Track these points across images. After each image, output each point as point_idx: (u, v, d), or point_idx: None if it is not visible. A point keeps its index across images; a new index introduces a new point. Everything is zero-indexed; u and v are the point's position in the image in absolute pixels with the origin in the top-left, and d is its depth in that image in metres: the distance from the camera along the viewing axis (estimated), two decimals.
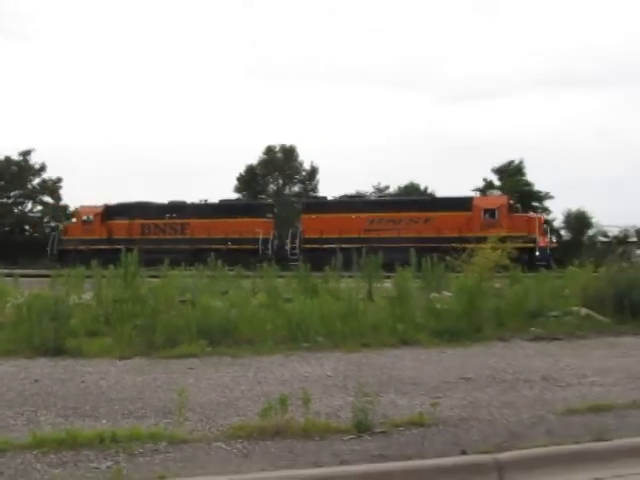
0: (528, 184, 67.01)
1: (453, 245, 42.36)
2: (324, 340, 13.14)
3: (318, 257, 35.42)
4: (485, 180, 69.42)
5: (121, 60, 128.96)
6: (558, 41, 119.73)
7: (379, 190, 73.64)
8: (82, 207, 54.13)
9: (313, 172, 76.64)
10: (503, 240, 41.73)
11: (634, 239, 57.04)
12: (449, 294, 16.70)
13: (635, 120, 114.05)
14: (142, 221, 50.44)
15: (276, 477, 6.26)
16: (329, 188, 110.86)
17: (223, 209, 50.98)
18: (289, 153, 76.51)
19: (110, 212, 51.86)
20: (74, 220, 54.26)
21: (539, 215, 48.08)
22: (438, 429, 7.66)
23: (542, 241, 44.42)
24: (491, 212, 45.15)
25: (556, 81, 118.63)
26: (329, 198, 51.23)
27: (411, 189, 71.54)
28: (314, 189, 75.51)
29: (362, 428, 7.44)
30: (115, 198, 71.90)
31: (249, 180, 74.45)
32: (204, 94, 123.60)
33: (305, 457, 6.72)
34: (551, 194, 65.24)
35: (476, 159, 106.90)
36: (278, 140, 79.00)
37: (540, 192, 64.34)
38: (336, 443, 7.15)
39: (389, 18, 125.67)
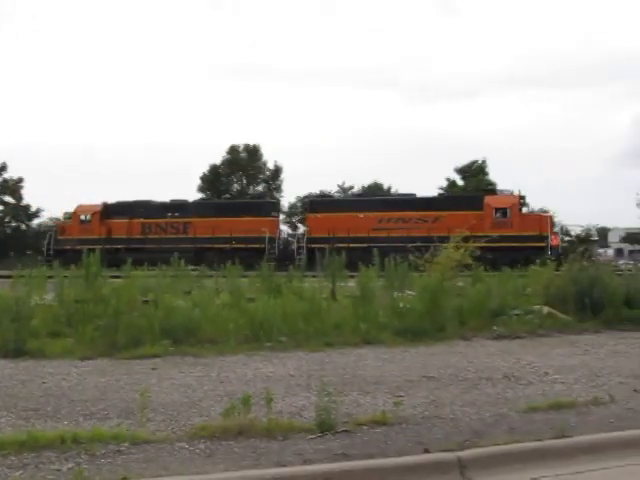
0: (491, 184, 67.37)
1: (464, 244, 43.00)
2: (287, 340, 13.13)
3: (323, 257, 34.90)
4: (448, 180, 69.88)
5: (83, 60, 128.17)
6: (525, 44, 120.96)
7: (343, 190, 73.81)
8: (79, 206, 52.45)
9: (277, 172, 76.55)
10: (516, 239, 42.33)
11: (596, 238, 57.60)
12: (412, 293, 16.75)
13: (600, 121, 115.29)
14: (143, 220, 49.24)
15: (239, 477, 6.25)
16: (293, 188, 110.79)
17: (227, 208, 50.17)
18: (253, 153, 76.32)
19: (109, 211, 50.63)
20: (71, 219, 52.33)
21: (549, 214, 47.69)
22: (401, 428, 7.69)
23: (554, 240, 44.28)
24: (503, 211, 44.96)
25: (523, 83, 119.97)
26: (336, 196, 50.49)
27: (375, 189, 71.79)
28: (278, 189, 75.51)
29: (325, 427, 7.46)
30: (78, 199, 71.07)
31: (213, 180, 74.17)
32: (167, 94, 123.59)
33: (268, 457, 6.72)
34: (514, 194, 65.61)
35: (440, 158, 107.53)
36: (242, 140, 78.97)
37: (502, 191, 64.75)
38: (299, 442, 7.16)
39: (358, 20, 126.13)
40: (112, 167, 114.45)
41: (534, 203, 55.33)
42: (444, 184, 69.97)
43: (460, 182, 69.74)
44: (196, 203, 52.27)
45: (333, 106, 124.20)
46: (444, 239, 42.02)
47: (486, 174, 70.07)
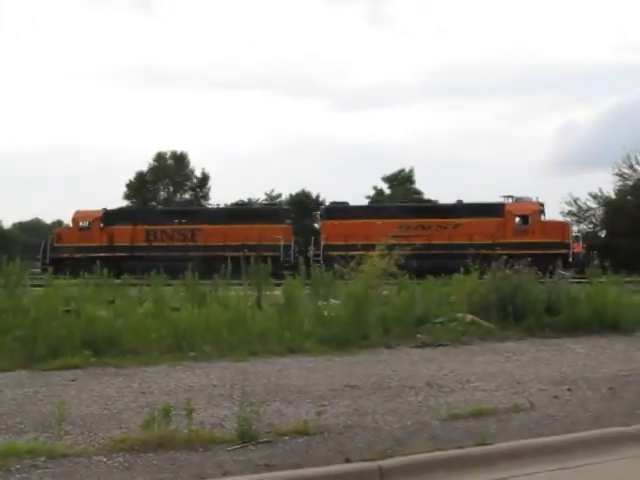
0: (418, 192, 68.11)
1: (485, 252, 41.17)
2: (211, 349, 12.97)
3: (342, 264, 34.07)
4: (375, 188, 70.40)
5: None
6: (450, 53, 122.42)
7: (271, 198, 73.67)
8: (78, 212, 49.87)
9: (204, 179, 76.18)
10: (537, 246, 42.34)
11: None
12: (337, 302, 16.76)
13: (525, 131, 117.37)
14: (147, 227, 47.13)
15: None
16: (220, 196, 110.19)
17: (240, 214, 48.19)
18: (180, 160, 75.83)
19: (110, 217, 48.32)
20: (70, 226, 50.06)
21: (567, 221, 47.83)
22: (323, 437, 7.67)
23: (576, 247, 44.37)
24: (524, 218, 44.94)
25: (449, 92, 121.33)
26: (352, 204, 49.38)
27: (303, 197, 71.82)
28: (205, 197, 75.10)
29: (247, 438, 7.39)
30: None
31: (139, 187, 73.46)
32: (93, 100, 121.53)
33: (188, 469, 6.63)
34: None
35: (368, 167, 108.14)
36: (169, 147, 78.35)
37: (429, 200, 65.37)
38: (220, 454, 7.08)
39: (284, 27, 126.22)
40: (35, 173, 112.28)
41: None
42: (372, 193, 70.48)
43: (387, 191, 70.29)
44: (206, 209, 50.56)
45: (262, 114, 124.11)
46: (466, 246, 42.65)
47: (413, 182, 70.82)
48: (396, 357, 13.17)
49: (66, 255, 44.29)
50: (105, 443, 7.34)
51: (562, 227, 45.67)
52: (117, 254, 44.07)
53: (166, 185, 75.66)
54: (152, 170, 74.88)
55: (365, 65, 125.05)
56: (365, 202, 63.11)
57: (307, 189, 74.36)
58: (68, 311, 14.34)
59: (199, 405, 8.68)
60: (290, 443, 7.45)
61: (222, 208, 50.00)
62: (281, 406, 9.08)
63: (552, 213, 51.94)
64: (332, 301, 17.06)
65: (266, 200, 71.28)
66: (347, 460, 6.89)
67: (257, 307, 16.74)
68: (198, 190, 75.73)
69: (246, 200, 65.28)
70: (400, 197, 61.74)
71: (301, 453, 7.12)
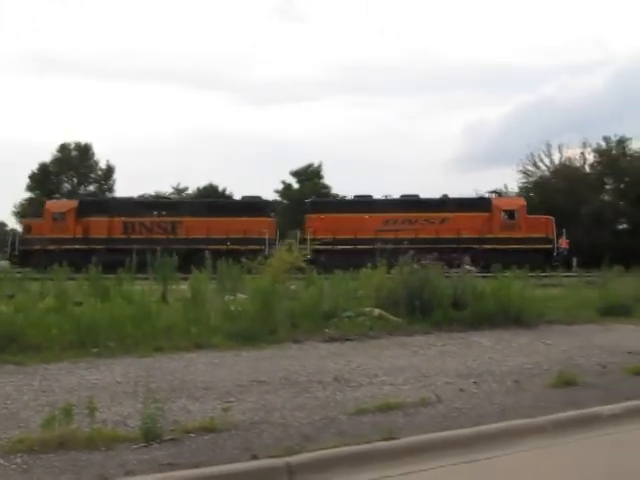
0: (326, 187, 68.38)
1: (473, 246, 43.02)
2: (115, 345, 12.65)
3: (330, 259, 33.36)
4: (284, 182, 70.38)
5: None
6: (357, 52, 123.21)
7: (178, 191, 73.04)
8: (50, 202, 48.49)
9: (109, 171, 74.98)
10: (523, 241, 42.37)
11: None
12: (244, 296, 16.62)
13: (430, 128, 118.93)
14: (125, 219, 45.69)
15: None
16: (126, 188, 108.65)
17: (223, 207, 47.49)
18: (84, 152, 74.45)
19: (86, 208, 46.75)
20: (41, 216, 47.84)
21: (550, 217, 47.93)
22: (230, 434, 7.55)
23: (562, 242, 44.94)
24: (510, 213, 45.62)
25: (357, 89, 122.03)
26: (338, 197, 48.29)
27: (210, 191, 71.36)
28: (110, 189, 73.96)
29: (151, 436, 7.22)
30: None
31: (42, 179, 71.91)
32: None
33: (90, 469, 6.43)
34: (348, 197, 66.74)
35: (276, 162, 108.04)
36: (73, 138, 76.82)
37: (337, 195, 65.71)
38: (123, 453, 6.89)
39: (193, 19, 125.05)
40: None
41: None
42: (280, 187, 70.45)
43: (296, 185, 70.35)
44: (187, 201, 48.99)
45: (167, 107, 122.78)
46: (453, 240, 42.95)
47: (321, 178, 71.04)
48: (304, 352, 13.10)
49: (37, 247, 42.28)
50: (2, 444, 7.04)
51: (547, 222, 46.35)
52: (92, 246, 42.36)
53: (70, 177, 74.20)
54: (56, 161, 73.34)
55: (275, 59, 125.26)
56: (274, 196, 63.08)
57: (215, 183, 74.00)
58: None
59: (102, 403, 8.45)
60: (196, 441, 7.31)
61: (204, 200, 49.14)
62: (187, 403, 8.92)
63: None
64: (239, 295, 16.91)
65: (173, 193, 70.65)
66: (254, 457, 6.79)
67: (163, 302, 16.48)
68: (103, 182, 74.48)
69: (152, 193, 64.68)
70: (308, 192, 61.83)
71: (207, 451, 6.98)
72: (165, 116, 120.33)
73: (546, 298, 19.80)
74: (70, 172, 74.02)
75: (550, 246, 44.23)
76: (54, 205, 48.14)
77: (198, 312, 14.61)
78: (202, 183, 74.24)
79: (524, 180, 70.65)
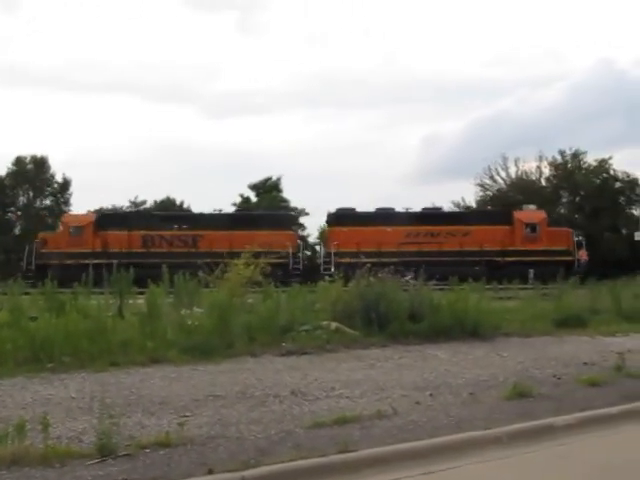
0: (285, 200, 68.37)
1: (495, 258, 43.41)
2: (70, 360, 12.52)
3: (354, 271, 32.89)
4: (242, 196, 70.18)
5: None
6: (318, 63, 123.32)
7: (135, 204, 72.50)
8: (68, 215, 47.31)
9: (65, 185, 74.14)
10: (545, 253, 42.30)
11: None
12: (200, 310, 16.53)
13: (391, 141, 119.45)
14: (144, 232, 44.52)
15: None
16: (83, 202, 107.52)
17: (246, 220, 46.04)
18: (40, 164, 73.64)
19: (104, 221, 45.57)
20: (58, 230, 46.56)
21: (570, 229, 48.22)
22: (185, 449, 7.52)
23: (582, 254, 45.07)
24: (532, 226, 45.40)
25: (316, 102, 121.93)
26: (358, 210, 47.90)
27: (168, 204, 71.00)
28: (66, 202, 73.17)
29: (106, 452, 7.17)
30: None
31: None
32: None
33: None
34: (307, 211, 66.86)
35: (236, 175, 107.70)
36: (29, 151, 75.92)
37: (296, 208, 65.75)
38: (78, 469, 6.83)
39: (153, 32, 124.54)
40: None
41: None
42: (238, 200, 70.29)
43: (254, 199, 70.25)
44: (208, 214, 47.48)
45: (125, 119, 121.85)
46: (476, 253, 43.21)
47: (280, 191, 70.98)
48: (261, 366, 13.06)
49: (55, 262, 40.16)
50: None
51: (567, 234, 46.65)
52: (111, 261, 41.12)
53: (25, 190, 73.28)
54: (11, 175, 72.43)
55: (236, 72, 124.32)
56: (232, 209, 62.76)
57: (172, 196, 73.63)
58: None
59: (56, 419, 8.38)
60: (151, 456, 7.26)
61: (227, 214, 47.89)
62: (142, 418, 8.86)
63: None
64: (196, 310, 16.82)
65: (130, 207, 70.16)
66: (210, 471, 6.77)
67: (119, 316, 16.34)
68: (59, 195, 73.66)
69: (110, 207, 64.28)
70: (267, 205, 61.82)
71: (162, 466, 6.94)
72: (122, 128, 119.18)
73: (502, 310, 19.94)
74: (26, 185, 73.09)
75: (571, 258, 44.36)
76: (71, 218, 47.21)
77: (154, 326, 14.49)
78: (160, 196, 73.89)
79: (481, 193, 71.41)
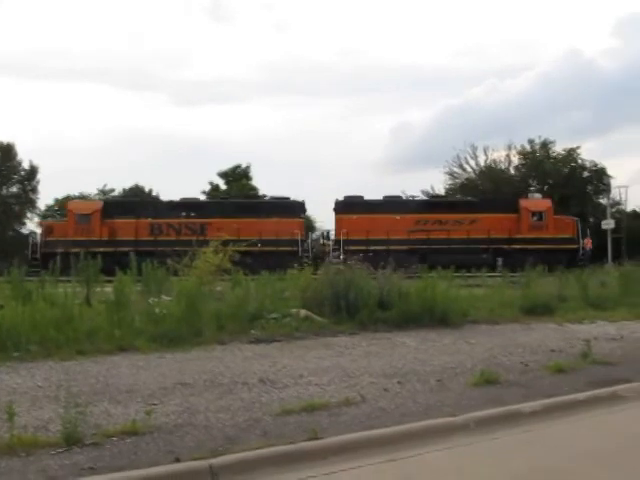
0: (253, 188, 68.26)
1: (502, 246, 44.40)
2: (37, 349, 12.41)
3: (364, 259, 32.85)
4: (211, 184, 70.00)
5: None
6: (288, 51, 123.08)
7: (103, 192, 72.05)
8: (73, 202, 46.74)
9: (33, 172, 73.46)
10: (551, 241, 42.66)
11: None
12: (169, 298, 16.46)
13: (360, 129, 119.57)
14: (152, 220, 44.45)
15: None
16: (51, 189, 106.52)
17: (254, 208, 46.22)
18: (6, 152, 72.89)
19: (111, 209, 45.42)
20: (64, 218, 45.98)
21: (575, 218, 49.00)
22: (152, 437, 7.48)
23: (587, 243, 45.88)
24: (539, 214, 46.03)
25: (283, 90, 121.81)
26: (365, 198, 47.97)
27: (137, 191, 70.65)
28: (34, 190, 72.57)
29: (72, 440, 7.11)
30: None
31: None
32: None
33: (9, 475, 6.33)
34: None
35: (205, 162, 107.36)
36: None
37: (265, 196, 65.59)
38: (44, 458, 6.78)
39: (122, 18, 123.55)
40: None
41: None
42: (207, 188, 70.06)
43: (223, 186, 70.05)
44: (216, 202, 47.78)
45: (94, 107, 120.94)
46: (483, 241, 44.18)
47: (250, 179, 70.86)
48: (229, 353, 13.03)
49: (61, 250, 38.66)
50: None
51: (572, 223, 47.28)
52: (119, 249, 40.17)
53: None
54: None
55: (205, 60, 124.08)
56: (202, 197, 62.50)
57: (141, 184, 73.27)
58: None
59: (22, 408, 8.31)
60: (118, 444, 7.22)
61: (233, 201, 47.84)
62: (109, 406, 8.80)
63: None
64: (164, 298, 16.73)
65: (98, 195, 69.69)
66: (177, 460, 6.75)
67: (86, 304, 16.22)
68: (26, 183, 72.99)
69: (77, 194, 63.79)
70: (236, 193, 61.65)
71: (129, 454, 6.91)
72: (90, 116, 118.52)
73: (471, 298, 20.07)
74: None
75: (576, 246, 45.22)
76: (78, 206, 46.85)
77: (122, 315, 14.40)
78: (129, 184, 73.49)
79: (450, 182, 71.77)
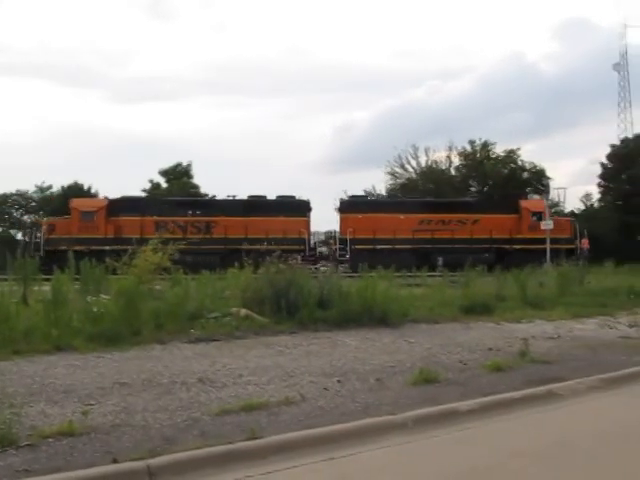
0: (195, 187, 67.77)
1: (504, 246, 45.34)
2: None
3: (369, 258, 32.62)
4: (152, 182, 69.33)
5: None
6: (229, 50, 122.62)
7: (41, 189, 70.96)
8: (78, 200, 45.29)
9: None
10: (550, 241, 43.07)
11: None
12: (107, 297, 16.28)
13: (301, 129, 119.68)
14: (157, 218, 43.25)
15: None
16: None
17: (261, 206, 45.30)
18: None
19: (116, 207, 44.24)
20: (68, 215, 44.44)
21: (572, 218, 49.77)
22: (89, 438, 7.40)
23: (584, 243, 46.71)
24: (539, 215, 45.94)
25: (224, 89, 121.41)
26: (373, 197, 47.96)
27: (75, 189, 69.71)
28: None
29: (6, 442, 7.01)
30: None
31: None
32: None
33: None
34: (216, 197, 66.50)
35: (145, 160, 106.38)
36: None
37: (206, 195, 65.18)
38: None
39: (64, 13, 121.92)
40: None
41: None
42: (147, 186, 69.42)
43: (164, 184, 69.50)
44: (223, 200, 46.82)
45: (33, 103, 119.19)
46: (485, 241, 44.99)
47: (191, 177, 70.36)
48: (168, 353, 12.95)
49: (64, 247, 37.15)
50: None
51: (570, 224, 48.49)
52: (125, 247, 39.25)
53: None
54: None
55: (145, 58, 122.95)
56: (142, 194, 61.87)
57: (80, 181, 72.33)
58: None
59: None
60: (54, 445, 7.12)
61: (241, 200, 46.81)
62: (45, 407, 8.68)
63: (329, 209, 53.66)
64: (102, 296, 16.54)
65: (36, 192, 68.65)
66: (114, 460, 6.68)
67: (23, 303, 15.97)
68: None
69: (14, 191, 62.78)
70: (177, 191, 61.18)
71: (65, 455, 6.83)
72: (29, 112, 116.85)
73: (411, 298, 20.20)
74: None
75: (573, 246, 45.95)
76: (82, 203, 45.89)
77: (59, 314, 14.19)
78: (67, 181, 72.47)
79: (392, 182, 72.13)
